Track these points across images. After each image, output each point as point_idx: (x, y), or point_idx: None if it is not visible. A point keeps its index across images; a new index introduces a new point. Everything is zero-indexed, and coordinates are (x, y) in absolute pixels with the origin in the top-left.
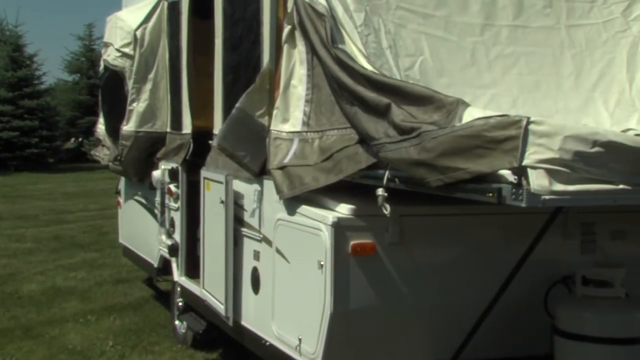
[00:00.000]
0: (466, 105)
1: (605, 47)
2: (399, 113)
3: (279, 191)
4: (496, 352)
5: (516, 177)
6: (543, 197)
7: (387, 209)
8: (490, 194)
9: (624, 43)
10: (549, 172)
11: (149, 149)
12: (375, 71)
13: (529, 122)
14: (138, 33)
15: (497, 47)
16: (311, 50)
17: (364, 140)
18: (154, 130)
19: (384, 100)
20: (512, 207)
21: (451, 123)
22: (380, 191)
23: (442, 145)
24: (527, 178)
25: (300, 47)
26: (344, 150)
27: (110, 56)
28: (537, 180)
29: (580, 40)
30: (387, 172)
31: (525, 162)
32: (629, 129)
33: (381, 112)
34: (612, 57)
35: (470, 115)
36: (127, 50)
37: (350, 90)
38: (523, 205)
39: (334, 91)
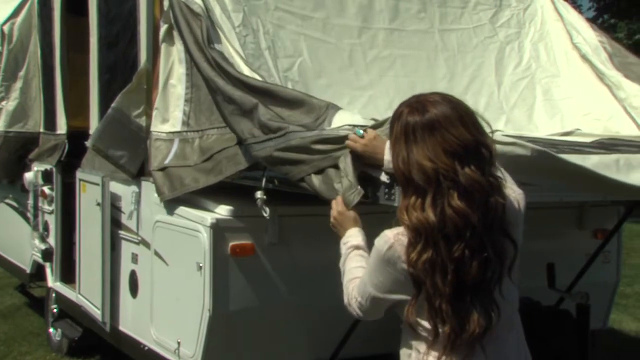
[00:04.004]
0: (337, 109)
1: (476, 51)
2: (265, 112)
3: (159, 193)
4: (373, 350)
5: (388, 177)
6: None
7: (266, 212)
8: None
9: (492, 48)
10: None
11: (20, 149)
12: (247, 74)
13: None
14: (5, 28)
15: (374, 50)
16: (187, 50)
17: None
18: (25, 130)
19: (252, 100)
20: (388, 206)
21: (320, 126)
22: (259, 194)
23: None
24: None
25: (179, 46)
26: (224, 151)
27: None
28: None
29: (452, 44)
30: (265, 174)
31: None
32: (496, 130)
33: (248, 112)
34: (481, 61)
35: (340, 120)
36: None
37: (222, 92)
38: (395, 204)
39: (210, 91)
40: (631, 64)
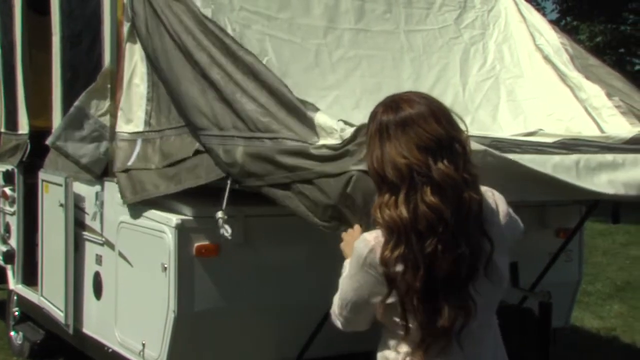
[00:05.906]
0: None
1: (441, 52)
2: (255, 108)
3: (122, 195)
4: (337, 349)
5: None
6: None
7: (227, 232)
8: None
9: (457, 49)
10: None
11: None
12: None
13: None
14: None
15: (340, 50)
16: (173, 39)
17: (200, 128)
18: None
19: (235, 89)
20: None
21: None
22: (219, 214)
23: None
24: None
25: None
26: (185, 162)
27: None
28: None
29: (418, 45)
30: (229, 183)
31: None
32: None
33: (230, 102)
34: (446, 62)
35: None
36: None
37: (209, 77)
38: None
39: (194, 80)
40: (591, 66)
